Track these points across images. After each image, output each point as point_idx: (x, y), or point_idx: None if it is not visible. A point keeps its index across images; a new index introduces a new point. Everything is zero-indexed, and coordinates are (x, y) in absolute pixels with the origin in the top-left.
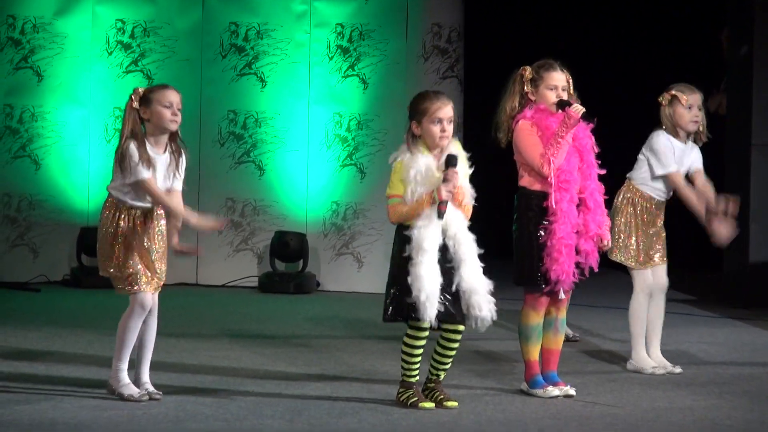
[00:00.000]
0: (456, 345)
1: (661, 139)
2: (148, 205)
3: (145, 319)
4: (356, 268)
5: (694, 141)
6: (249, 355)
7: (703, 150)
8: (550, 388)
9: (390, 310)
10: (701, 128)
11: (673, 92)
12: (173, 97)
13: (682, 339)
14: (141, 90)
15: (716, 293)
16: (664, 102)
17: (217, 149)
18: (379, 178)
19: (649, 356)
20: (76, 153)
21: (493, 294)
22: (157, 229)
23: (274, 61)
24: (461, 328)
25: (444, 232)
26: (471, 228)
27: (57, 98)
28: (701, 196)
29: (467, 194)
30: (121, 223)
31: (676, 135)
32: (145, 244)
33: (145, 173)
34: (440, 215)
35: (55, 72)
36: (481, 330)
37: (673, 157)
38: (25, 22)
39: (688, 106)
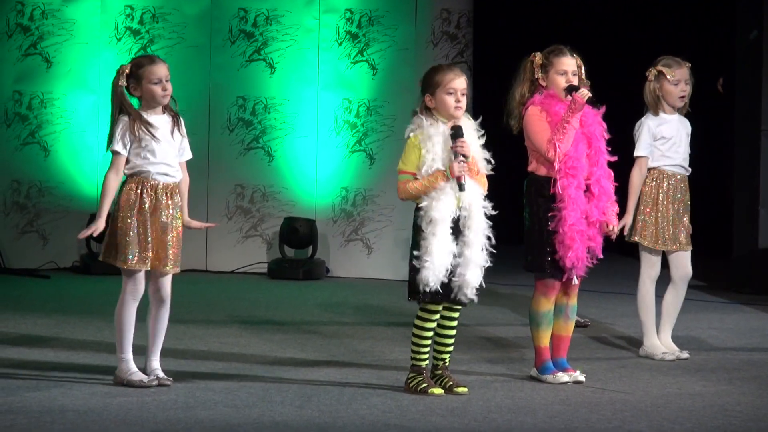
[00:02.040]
0: (454, 323)
1: (643, 125)
2: (170, 180)
3: (157, 310)
4: (366, 254)
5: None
6: (258, 341)
7: (713, 135)
8: (559, 374)
9: (408, 289)
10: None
11: (660, 67)
12: (161, 71)
13: (692, 325)
14: (127, 67)
15: (726, 279)
16: (650, 77)
17: (226, 135)
18: (389, 164)
19: (660, 341)
20: (86, 139)
21: (496, 279)
22: (175, 208)
23: (282, 47)
24: (458, 306)
25: (458, 205)
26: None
27: (66, 84)
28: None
29: (481, 162)
30: (136, 196)
31: (656, 111)
32: (163, 219)
33: (119, 147)
34: (461, 187)
35: (64, 58)
36: (464, 301)
37: (649, 144)
38: (34, 9)
39: (674, 82)
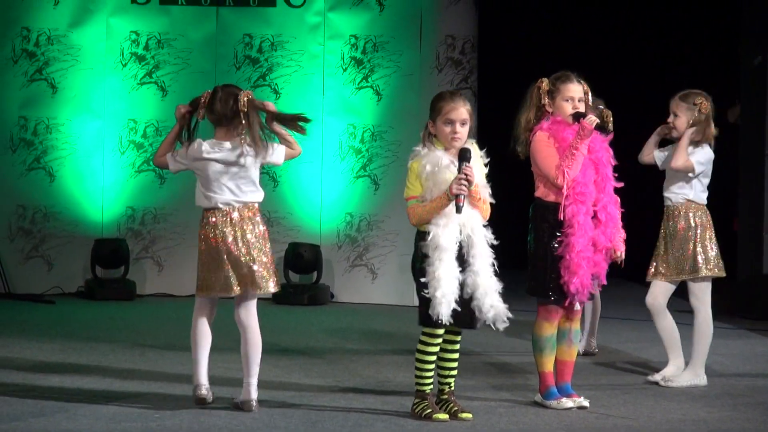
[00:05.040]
0: (456, 347)
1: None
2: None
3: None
4: (370, 279)
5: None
6: (263, 366)
7: (717, 160)
8: (564, 399)
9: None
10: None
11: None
12: None
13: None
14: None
15: (730, 304)
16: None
17: None
18: (393, 190)
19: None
20: (91, 165)
21: (502, 296)
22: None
23: (287, 73)
24: (460, 330)
25: (460, 232)
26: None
27: (71, 110)
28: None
29: (484, 191)
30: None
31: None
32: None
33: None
34: (458, 209)
35: (69, 84)
36: (500, 328)
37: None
38: (40, 34)
39: (672, 113)
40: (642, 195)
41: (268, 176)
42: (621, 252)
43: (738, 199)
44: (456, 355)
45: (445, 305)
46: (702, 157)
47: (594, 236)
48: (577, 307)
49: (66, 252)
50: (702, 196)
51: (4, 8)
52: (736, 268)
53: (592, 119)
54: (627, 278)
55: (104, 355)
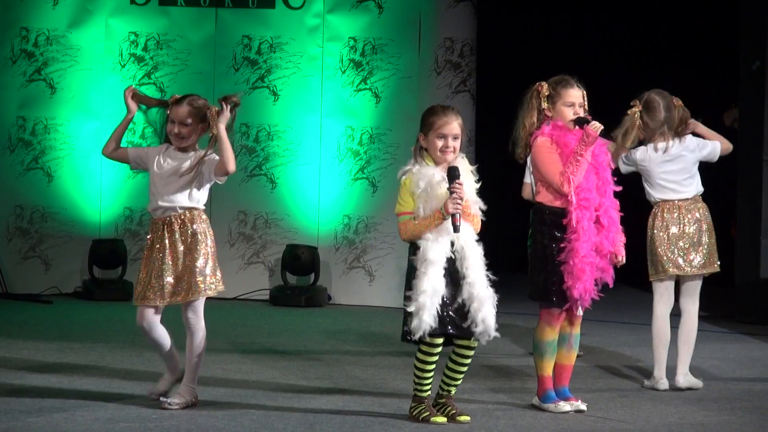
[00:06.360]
0: (468, 361)
1: None
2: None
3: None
4: (368, 281)
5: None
6: (260, 368)
7: (715, 165)
8: (561, 403)
9: (403, 328)
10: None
11: None
12: (177, 114)
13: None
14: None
15: (728, 309)
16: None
17: None
18: (391, 192)
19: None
20: (89, 165)
21: (498, 307)
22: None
23: (286, 75)
24: (474, 344)
25: (452, 245)
26: (483, 241)
27: (70, 110)
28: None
29: (474, 206)
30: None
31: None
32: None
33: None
34: (456, 229)
35: (68, 84)
36: (482, 343)
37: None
38: (39, 35)
39: None
40: (642, 198)
41: (266, 178)
42: (621, 256)
43: (736, 204)
44: (465, 368)
45: (426, 317)
46: (627, 158)
47: (597, 241)
48: (580, 312)
49: (63, 252)
50: (651, 196)
51: (3, 8)
52: (734, 272)
53: (597, 125)
54: (625, 282)
55: (102, 355)
